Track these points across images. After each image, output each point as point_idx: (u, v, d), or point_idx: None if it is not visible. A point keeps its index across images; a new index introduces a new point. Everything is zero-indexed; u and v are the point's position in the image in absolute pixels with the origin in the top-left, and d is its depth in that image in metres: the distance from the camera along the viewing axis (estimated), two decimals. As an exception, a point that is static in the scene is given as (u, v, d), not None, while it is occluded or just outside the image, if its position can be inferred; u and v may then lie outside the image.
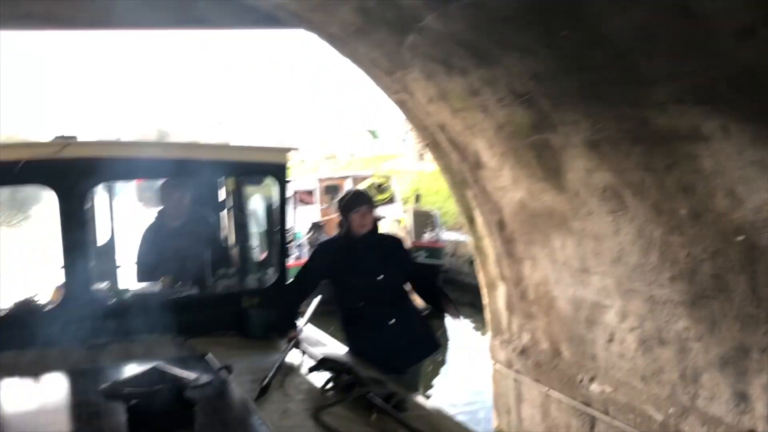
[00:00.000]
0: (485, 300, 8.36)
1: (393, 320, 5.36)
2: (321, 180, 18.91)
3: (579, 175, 5.78)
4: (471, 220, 8.05)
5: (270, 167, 5.87)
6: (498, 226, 7.39)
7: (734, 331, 4.97)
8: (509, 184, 6.78)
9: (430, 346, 5.79)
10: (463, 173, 7.49)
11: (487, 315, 8.36)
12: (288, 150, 6.12)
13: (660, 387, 5.74)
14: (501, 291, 7.88)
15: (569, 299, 6.65)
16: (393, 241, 5.85)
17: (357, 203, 5.46)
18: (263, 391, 4.02)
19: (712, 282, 5.02)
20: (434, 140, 7.61)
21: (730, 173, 4.43)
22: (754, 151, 4.18)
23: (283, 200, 5.89)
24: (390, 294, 5.45)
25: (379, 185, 17.46)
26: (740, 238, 4.64)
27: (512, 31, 5.02)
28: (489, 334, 8.35)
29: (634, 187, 5.30)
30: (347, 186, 17.49)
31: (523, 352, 7.54)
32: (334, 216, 17.25)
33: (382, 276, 5.37)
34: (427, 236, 16.06)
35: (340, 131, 56.13)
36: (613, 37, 4.38)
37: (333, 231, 16.92)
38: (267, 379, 4.15)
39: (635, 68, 4.46)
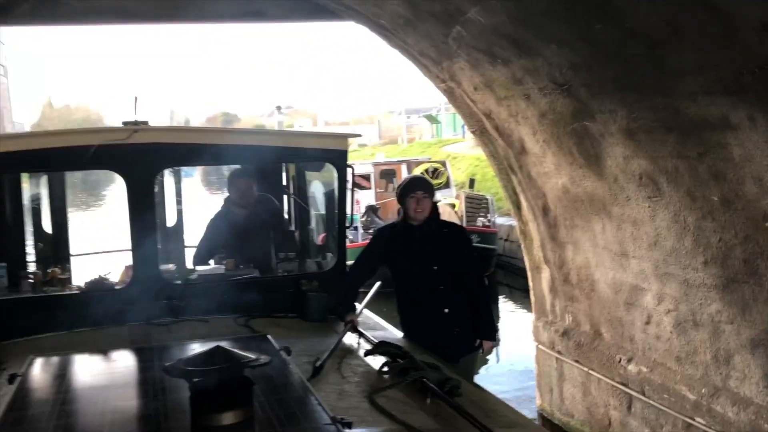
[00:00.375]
0: (530, 283, 8.60)
1: (447, 309, 5.31)
2: (376, 165, 19.28)
3: (617, 162, 5.97)
4: (517, 206, 8.29)
5: (330, 153, 5.85)
6: (542, 211, 7.62)
7: (764, 314, 5.11)
8: (552, 170, 7.00)
9: (485, 338, 5.56)
10: (509, 159, 7.74)
11: (532, 297, 8.61)
12: (348, 136, 6.19)
13: (693, 368, 5.91)
14: (545, 274, 8.11)
15: (609, 282, 6.85)
16: (454, 230, 5.73)
17: (413, 188, 5.40)
18: (317, 371, 4.10)
19: (743, 266, 5.17)
20: (481, 127, 7.88)
21: (758, 161, 4.58)
22: (778, 140, 4.33)
23: (343, 186, 5.87)
24: (446, 283, 5.34)
25: (434, 170, 17.73)
26: (768, 223, 4.79)
27: (549, 24, 5.25)
28: (533, 316, 8.59)
29: (668, 174, 5.48)
30: (403, 170, 17.86)
31: (565, 333, 7.77)
32: (389, 200, 17.67)
33: (437, 265, 5.32)
34: (480, 221, 16.31)
35: (401, 116, 56.43)
36: (643, 31, 4.58)
37: (387, 215, 17.35)
38: (322, 360, 4.23)
39: (665, 60, 4.65)
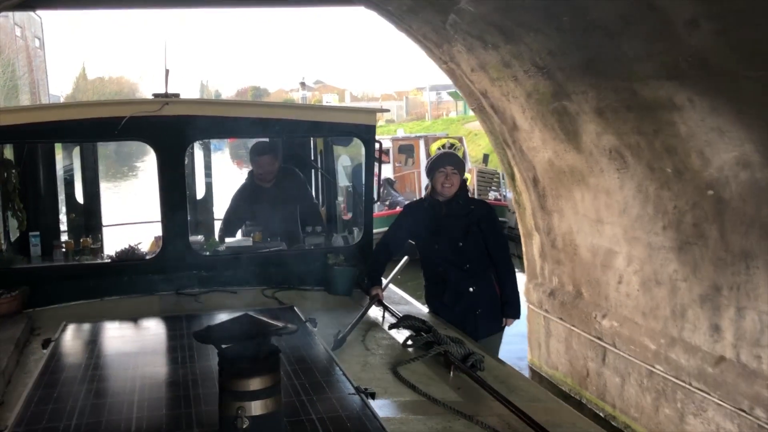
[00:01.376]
0: (524, 248, 9.37)
1: (473, 288, 5.29)
2: (395, 140, 20.01)
3: (591, 138, 6.69)
4: (512, 177, 9.04)
5: (358, 128, 5.82)
6: (533, 182, 8.36)
7: (710, 273, 5.84)
8: (539, 145, 7.73)
9: (508, 317, 5.50)
10: (504, 134, 8.47)
11: (525, 262, 9.37)
12: (376, 111, 6.18)
13: (655, 322, 6.66)
14: (536, 240, 8.87)
15: (588, 247, 7.59)
16: (482, 208, 5.60)
17: (442, 163, 5.35)
18: (340, 342, 4.17)
19: (693, 230, 5.90)
20: (479, 105, 8.60)
21: (699, 137, 5.29)
22: (713, 119, 5.04)
23: (371, 160, 5.84)
24: (472, 261, 5.31)
25: (451, 146, 18.34)
26: (710, 192, 5.51)
27: (527, 14, 5.97)
28: (525, 278, 9.36)
29: (632, 149, 6.20)
30: (420, 146, 18.60)
31: (552, 293, 8.54)
32: (405, 173, 18.45)
33: (463, 242, 5.28)
34: (492, 194, 17.02)
35: (429, 93, 56.83)
36: (602, 23, 5.29)
37: (404, 189, 18.14)
38: (345, 331, 4.29)
39: (621, 48, 5.36)
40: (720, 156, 5.21)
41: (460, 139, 19.17)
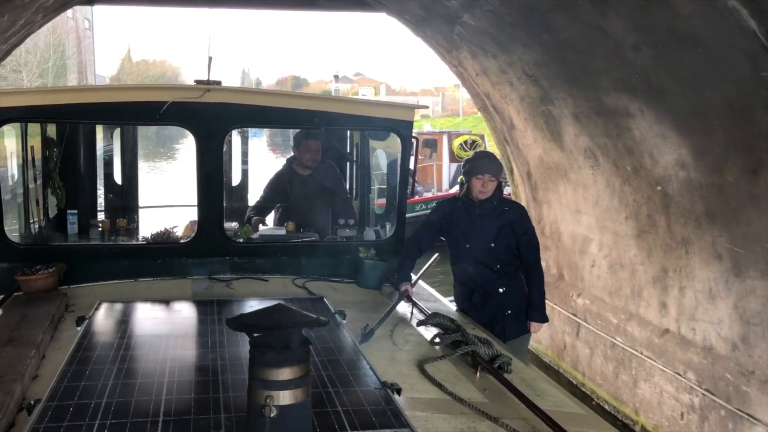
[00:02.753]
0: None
1: (503, 289, 5.26)
2: (420, 134, 21.02)
3: (571, 138, 7.74)
4: (510, 171, 10.10)
5: (396, 123, 5.76)
6: (527, 176, 9.42)
7: (660, 257, 6.87)
8: (532, 143, 8.79)
9: (532, 320, 5.39)
10: (504, 132, 9.54)
11: (520, 248, 10.42)
12: (415, 107, 6.18)
13: (618, 300, 7.70)
14: (529, 228, 9.92)
15: (569, 234, 8.64)
16: (515, 209, 5.51)
17: (480, 170, 5.21)
18: (367, 336, 4.16)
19: (647, 220, 6.93)
20: (483, 105, 9.68)
21: (648, 141, 6.32)
22: (658, 126, 6.07)
23: (407, 156, 5.82)
24: (503, 262, 5.26)
25: (472, 142, 19.42)
26: (659, 188, 6.54)
27: (515, 31, 7.04)
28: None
29: (601, 149, 7.24)
30: (444, 141, 19.65)
31: (539, 275, 9.59)
32: (426, 165, 19.52)
33: (494, 243, 5.22)
34: (507, 189, 17.99)
35: (462, 90, 57.64)
36: (572, 41, 6.35)
37: (426, 181, 19.22)
38: (373, 325, 4.31)
39: (588, 63, 6.41)
40: (664, 157, 6.24)
41: (482, 136, 20.15)
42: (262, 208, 6.81)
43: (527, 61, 7.41)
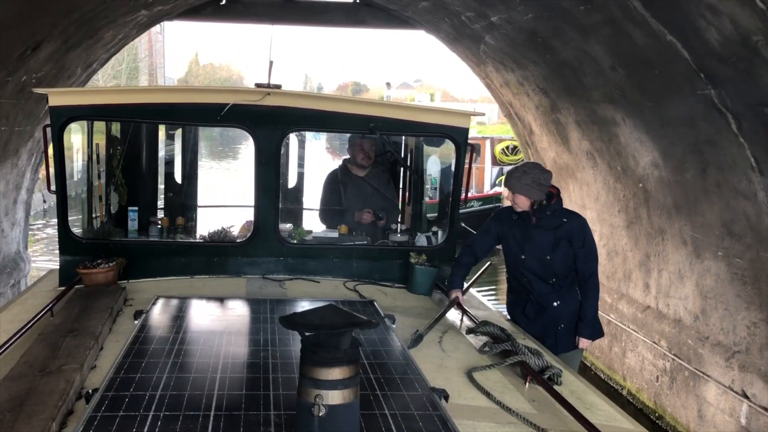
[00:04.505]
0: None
1: (557, 302, 5.13)
2: (465, 139, 22.00)
3: (576, 142, 9.01)
4: (532, 171, 11.39)
5: (452, 130, 5.69)
6: (545, 175, 10.70)
7: (644, 245, 8.10)
8: (547, 147, 10.08)
9: (581, 335, 5.19)
10: (525, 137, 10.84)
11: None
12: (471, 114, 6.04)
13: (613, 282, 8.93)
14: (547, 222, 11.19)
15: (577, 227, 9.89)
16: (574, 221, 5.23)
17: (507, 183, 5.21)
18: (417, 341, 4.17)
19: (634, 213, 8.16)
20: (508, 112, 11.01)
21: (630, 145, 7.58)
22: (636, 133, 7.33)
23: (461, 163, 5.73)
24: (558, 275, 5.12)
25: (513, 147, 20.57)
26: (641, 185, 7.78)
27: (526, 50, 8.38)
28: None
29: (598, 152, 8.50)
30: (486, 145, 20.86)
31: (553, 264, 10.85)
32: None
33: (550, 256, 5.08)
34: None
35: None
36: (568, 61, 7.66)
37: (464, 184, 20.44)
38: (422, 330, 4.32)
39: (581, 80, 7.71)
40: (643, 159, 7.49)
41: (524, 142, 21.36)
42: (332, 217, 6.71)
43: (537, 76, 8.73)
